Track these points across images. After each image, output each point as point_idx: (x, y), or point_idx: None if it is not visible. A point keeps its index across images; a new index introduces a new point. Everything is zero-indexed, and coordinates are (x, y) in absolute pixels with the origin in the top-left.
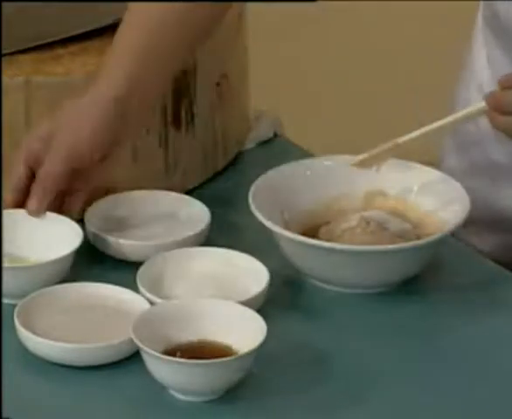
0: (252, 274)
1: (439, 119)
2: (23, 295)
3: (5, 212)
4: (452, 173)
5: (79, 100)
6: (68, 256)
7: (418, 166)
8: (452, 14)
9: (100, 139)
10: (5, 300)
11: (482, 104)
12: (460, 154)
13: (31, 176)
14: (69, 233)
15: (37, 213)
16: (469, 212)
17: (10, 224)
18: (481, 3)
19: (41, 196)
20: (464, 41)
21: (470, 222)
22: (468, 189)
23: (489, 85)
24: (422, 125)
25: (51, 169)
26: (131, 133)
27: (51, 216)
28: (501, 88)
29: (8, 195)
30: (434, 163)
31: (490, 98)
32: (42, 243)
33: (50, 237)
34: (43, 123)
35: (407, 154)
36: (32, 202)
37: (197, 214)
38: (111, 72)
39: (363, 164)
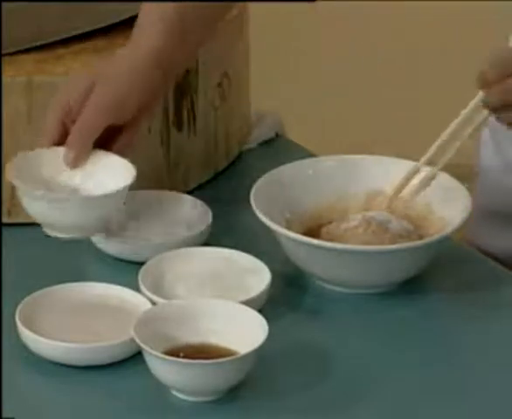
0: (254, 274)
1: (439, 116)
2: (72, 228)
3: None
4: (488, 171)
5: (117, 55)
6: (121, 190)
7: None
8: (448, 14)
9: (139, 92)
10: (55, 233)
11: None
12: (496, 152)
13: (63, 131)
14: (121, 170)
15: (74, 163)
16: (470, 213)
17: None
18: None
19: (79, 146)
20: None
21: (501, 217)
22: (505, 187)
23: None
24: (423, 124)
25: (90, 120)
26: (168, 86)
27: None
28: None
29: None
30: (435, 163)
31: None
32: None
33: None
34: (79, 77)
35: (409, 154)
36: (71, 151)
37: (198, 214)
38: (150, 25)
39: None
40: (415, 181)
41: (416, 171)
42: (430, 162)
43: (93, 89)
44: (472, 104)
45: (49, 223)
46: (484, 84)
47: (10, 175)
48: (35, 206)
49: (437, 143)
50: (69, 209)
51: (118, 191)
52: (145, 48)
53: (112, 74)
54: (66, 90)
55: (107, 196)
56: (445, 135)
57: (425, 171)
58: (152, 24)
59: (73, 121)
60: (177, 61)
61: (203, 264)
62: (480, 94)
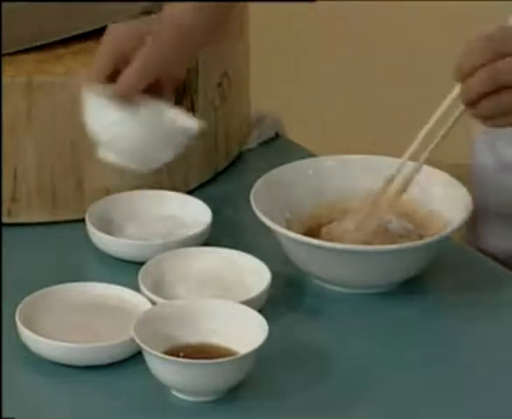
0: (254, 274)
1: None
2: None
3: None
4: (483, 170)
5: (158, 23)
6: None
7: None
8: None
9: (179, 57)
10: None
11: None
12: (490, 151)
13: (114, 71)
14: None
15: (123, 100)
16: (470, 213)
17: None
18: None
19: (131, 86)
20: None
21: (500, 217)
22: (501, 187)
23: None
24: (423, 124)
25: (145, 62)
26: (199, 53)
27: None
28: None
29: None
30: (436, 163)
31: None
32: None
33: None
34: (135, 26)
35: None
36: (123, 89)
37: (198, 214)
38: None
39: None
40: (400, 178)
41: (399, 169)
42: (414, 158)
43: (147, 41)
44: (449, 99)
45: (113, 140)
46: (461, 76)
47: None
48: (108, 115)
49: (418, 139)
50: (147, 127)
51: (197, 127)
52: (181, 24)
53: (157, 36)
54: (122, 35)
55: (186, 130)
56: (425, 130)
57: (408, 167)
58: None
59: (125, 65)
60: (207, 31)
61: (203, 264)
62: (458, 87)
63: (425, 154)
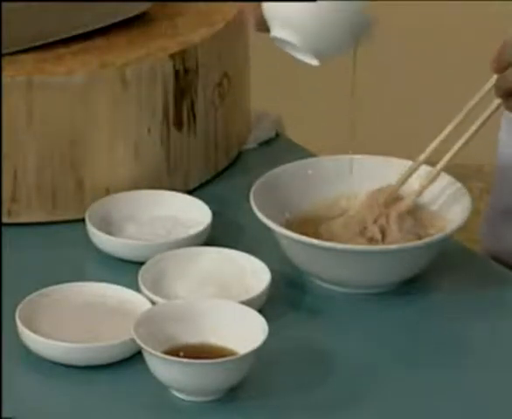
0: (254, 274)
1: (441, 116)
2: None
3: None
4: (509, 163)
5: None
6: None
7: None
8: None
9: None
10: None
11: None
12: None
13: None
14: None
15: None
16: (470, 213)
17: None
18: None
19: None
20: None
21: None
22: None
23: None
24: (424, 124)
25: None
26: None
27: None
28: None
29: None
30: (436, 163)
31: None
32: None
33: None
34: None
35: (410, 154)
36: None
37: (198, 214)
38: None
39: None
40: (417, 178)
41: (416, 168)
42: (432, 155)
43: None
44: (479, 95)
45: (293, 15)
46: (497, 67)
47: None
48: None
49: (440, 137)
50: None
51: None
52: None
53: None
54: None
55: (362, 22)
56: (450, 128)
57: (426, 169)
58: None
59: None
60: None
61: (203, 264)
62: (491, 81)
63: (450, 155)
